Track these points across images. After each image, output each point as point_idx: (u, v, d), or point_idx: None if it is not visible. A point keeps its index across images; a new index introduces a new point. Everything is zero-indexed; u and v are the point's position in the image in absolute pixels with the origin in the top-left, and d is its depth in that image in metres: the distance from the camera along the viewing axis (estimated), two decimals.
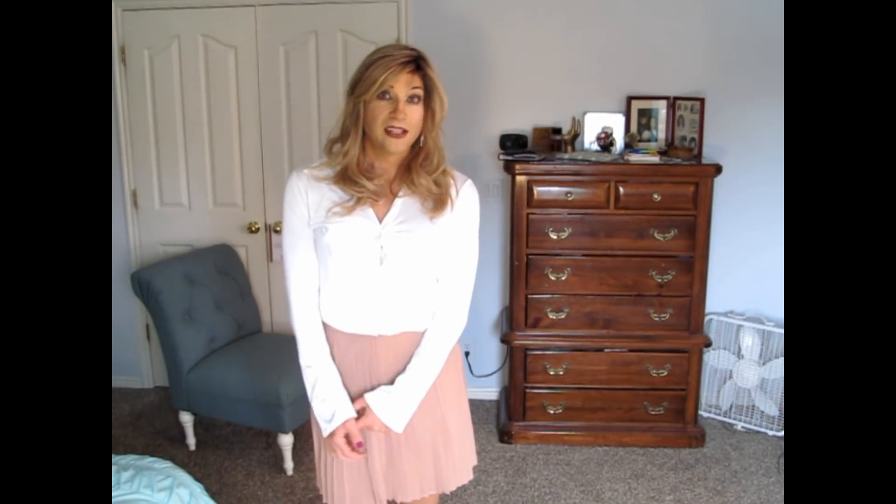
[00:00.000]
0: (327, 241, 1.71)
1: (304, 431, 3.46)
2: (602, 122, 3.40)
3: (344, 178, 1.70)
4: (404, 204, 1.73)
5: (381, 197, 1.72)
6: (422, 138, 1.70)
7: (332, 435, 1.75)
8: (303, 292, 1.79)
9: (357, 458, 1.77)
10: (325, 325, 1.82)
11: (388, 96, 1.63)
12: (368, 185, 1.69)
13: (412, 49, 1.67)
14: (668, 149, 3.31)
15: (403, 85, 1.63)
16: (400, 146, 1.67)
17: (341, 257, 1.72)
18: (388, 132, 1.64)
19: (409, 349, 1.79)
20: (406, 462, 1.83)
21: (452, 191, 1.74)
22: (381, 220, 1.72)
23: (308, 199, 1.73)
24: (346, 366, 1.82)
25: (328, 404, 1.76)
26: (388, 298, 1.74)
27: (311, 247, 1.76)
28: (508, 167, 3.17)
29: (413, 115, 1.65)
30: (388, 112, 1.63)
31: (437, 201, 1.72)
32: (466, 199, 1.77)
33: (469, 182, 1.79)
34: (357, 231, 1.71)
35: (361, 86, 1.64)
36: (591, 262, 3.21)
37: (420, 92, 1.65)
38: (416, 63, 1.64)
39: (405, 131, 1.64)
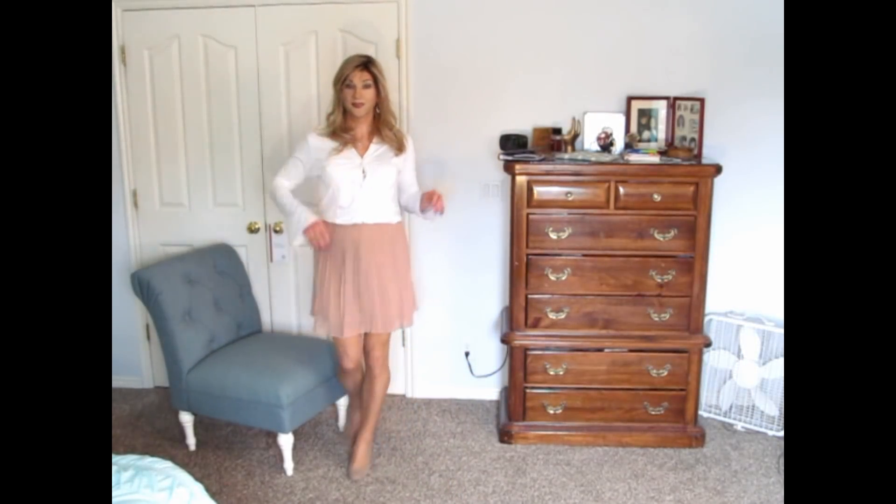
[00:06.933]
0: (329, 170, 2.84)
1: (304, 431, 3.46)
2: (602, 122, 3.40)
3: (334, 133, 2.89)
4: (377, 148, 2.92)
5: (360, 144, 2.90)
6: (377, 107, 2.89)
7: (314, 224, 2.82)
8: (286, 179, 2.93)
9: (328, 244, 2.86)
10: (328, 223, 2.87)
11: (350, 84, 2.81)
12: (346, 136, 2.88)
13: (364, 56, 2.88)
14: (668, 149, 3.31)
15: (358, 78, 2.80)
16: (361, 112, 2.84)
17: (338, 178, 2.83)
18: (354, 105, 2.83)
19: (381, 233, 2.91)
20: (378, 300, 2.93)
21: (406, 141, 3.00)
22: (362, 156, 2.89)
23: (311, 149, 2.90)
24: (342, 245, 2.87)
25: (304, 210, 2.86)
26: (367, 201, 2.88)
27: (301, 170, 2.93)
28: (508, 167, 3.17)
29: (366, 95, 2.82)
30: (351, 94, 2.82)
31: (398, 147, 2.94)
32: (411, 145, 3.03)
33: (409, 137, 3.07)
34: (347, 161, 2.87)
35: (337, 80, 2.86)
36: (591, 262, 3.21)
37: (370, 81, 2.82)
38: (365, 64, 2.82)
39: (362, 104, 2.82)
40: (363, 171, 2.85)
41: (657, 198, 3.12)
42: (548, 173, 3.14)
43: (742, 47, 3.38)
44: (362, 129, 2.90)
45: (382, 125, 2.91)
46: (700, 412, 3.52)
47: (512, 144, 3.35)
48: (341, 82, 2.82)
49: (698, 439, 3.32)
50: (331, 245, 2.87)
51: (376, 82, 2.83)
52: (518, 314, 3.28)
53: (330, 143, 2.87)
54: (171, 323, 3.15)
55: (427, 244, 3.70)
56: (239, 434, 3.46)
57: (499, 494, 2.97)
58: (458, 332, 3.79)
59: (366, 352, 3.04)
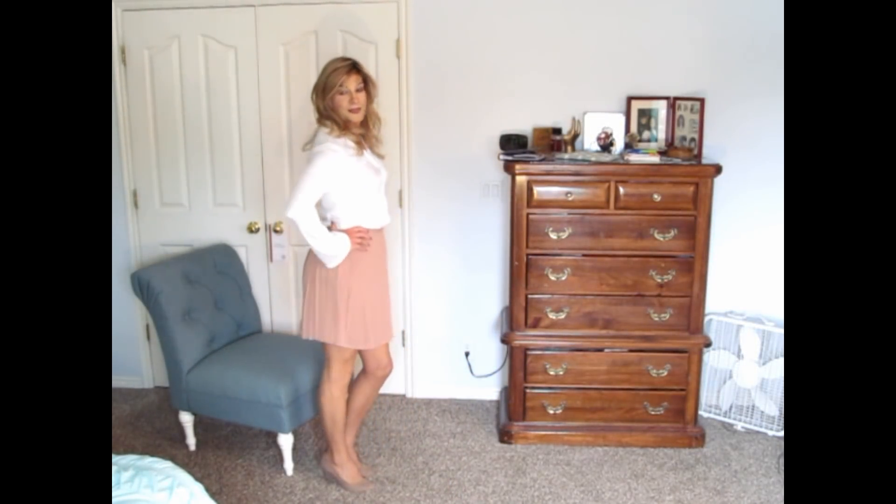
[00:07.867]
0: (365, 177, 2.70)
1: (304, 431, 3.46)
2: (602, 122, 3.40)
3: (348, 132, 2.69)
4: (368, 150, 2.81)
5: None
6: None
7: (351, 231, 2.70)
8: (311, 205, 2.63)
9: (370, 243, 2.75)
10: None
11: (344, 90, 2.66)
12: (358, 132, 2.72)
13: (349, 58, 2.72)
14: (668, 149, 3.31)
15: (353, 83, 2.66)
16: (359, 118, 2.71)
17: (372, 182, 2.73)
18: (350, 111, 2.67)
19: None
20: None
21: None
22: (374, 157, 2.80)
23: (339, 159, 2.64)
24: (380, 249, 2.84)
25: (333, 234, 2.68)
26: (385, 202, 2.85)
27: (324, 188, 2.65)
28: (508, 167, 3.17)
29: (361, 99, 2.69)
30: (346, 100, 2.66)
31: (378, 152, 2.86)
32: None
33: None
34: (369, 165, 2.74)
35: (328, 88, 2.66)
36: (591, 262, 3.21)
37: (362, 84, 2.68)
38: (356, 67, 2.69)
39: (358, 109, 2.68)
40: (382, 171, 2.81)
41: (657, 198, 3.12)
42: (548, 173, 3.14)
43: (742, 47, 3.38)
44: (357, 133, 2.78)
45: (373, 127, 2.79)
46: (700, 412, 3.52)
47: (512, 144, 3.35)
48: (334, 89, 2.63)
49: (698, 439, 3.32)
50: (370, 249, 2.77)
51: (366, 84, 2.70)
52: (518, 314, 3.28)
53: (350, 143, 2.68)
54: (171, 323, 3.15)
55: (427, 244, 3.70)
56: (239, 434, 3.46)
57: (499, 494, 2.97)
58: (458, 332, 3.79)
59: (377, 358, 2.92)
